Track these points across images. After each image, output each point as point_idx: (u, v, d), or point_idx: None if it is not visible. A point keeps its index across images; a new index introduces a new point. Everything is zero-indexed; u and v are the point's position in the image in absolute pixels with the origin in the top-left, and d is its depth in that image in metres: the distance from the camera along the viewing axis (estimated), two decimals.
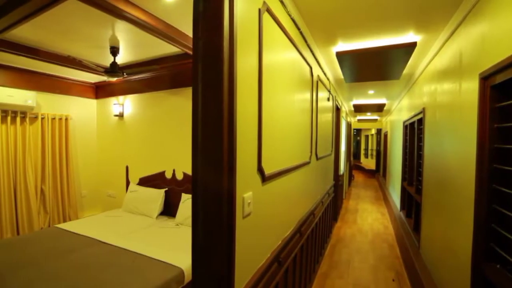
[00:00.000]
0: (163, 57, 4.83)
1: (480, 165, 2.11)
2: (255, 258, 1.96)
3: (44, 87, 5.64)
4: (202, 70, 1.49)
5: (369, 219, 8.19)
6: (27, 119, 5.36)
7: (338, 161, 7.22)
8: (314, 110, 3.85)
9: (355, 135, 23.95)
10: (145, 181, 5.74)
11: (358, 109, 9.84)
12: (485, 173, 2.06)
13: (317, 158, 4.18)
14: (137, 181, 5.85)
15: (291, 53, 2.69)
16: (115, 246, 3.73)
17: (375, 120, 14.14)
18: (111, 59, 4.57)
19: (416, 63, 4.47)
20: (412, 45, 3.50)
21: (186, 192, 5.05)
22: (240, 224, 1.67)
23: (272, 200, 2.27)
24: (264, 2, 1.96)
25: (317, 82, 4.02)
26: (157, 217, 5.11)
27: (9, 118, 5.06)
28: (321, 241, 4.78)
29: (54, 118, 5.80)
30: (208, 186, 1.51)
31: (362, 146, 24.66)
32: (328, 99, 5.15)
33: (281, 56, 2.41)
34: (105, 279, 2.88)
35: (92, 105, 6.71)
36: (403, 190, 5.98)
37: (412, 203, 5.29)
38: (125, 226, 4.58)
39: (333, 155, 6.38)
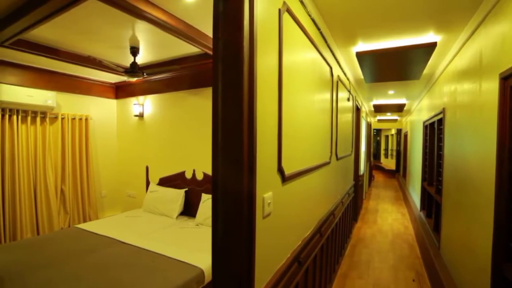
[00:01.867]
0: (183, 57, 4.80)
1: (500, 165, 2.06)
2: (275, 258, 1.92)
3: (64, 87, 5.63)
4: (222, 70, 1.47)
5: (389, 219, 8.04)
6: (47, 119, 5.33)
7: (358, 161, 7.10)
8: (334, 110, 3.78)
9: (375, 135, 23.61)
10: (165, 181, 5.69)
11: (378, 109, 9.71)
12: (505, 172, 2.01)
13: (337, 158, 4.10)
14: (157, 181, 5.80)
15: (311, 53, 2.64)
16: (135, 246, 3.72)
17: (395, 120, 13.87)
18: (131, 59, 4.56)
19: (436, 63, 4.37)
20: (432, 45, 3.43)
21: (206, 192, 5.01)
22: (260, 224, 1.63)
23: (292, 200, 2.23)
24: (284, 2, 1.92)
25: (337, 82, 3.95)
26: (177, 217, 5.07)
27: (29, 118, 5.04)
28: (341, 241, 4.70)
29: (74, 118, 5.78)
30: (228, 186, 1.48)
31: (382, 146, 24.29)
32: (348, 99, 5.07)
33: (301, 56, 2.37)
34: (125, 279, 2.87)
35: (112, 105, 6.69)
36: (423, 190, 5.89)
37: (432, 203, 5.20)
38: (145, 226, 4.56)
39: (353, 155, 6.26)
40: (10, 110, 4.76)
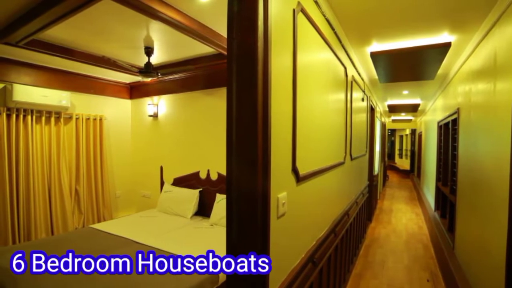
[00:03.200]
0: (198, 57, 4.76)
1: None
2: (289, 258, 1.90)
3: (78, 87, 5.58)
4: (237, 70, 1.45)
5: (403, 220, 7.92)
6: (62, 119, 5.28)
7: (373, 161, 7.00)
8: (348, 111, 3.72)
9: (390, 135, 23.34)
10: (180, 181, 5.65)
11: (393, 109, 9.60)
12: None
13: (352, 159, 4.05)
14: (172, 181, 5.74)
15: (325, 53, 2.60)
16: (150, 246, 3.68)
17: (410, 120, 13.67)
18: (146, 59, 4.51)
19: (450, 63, 4.30)
20: (447, 45, 3.38)
21: (221, 193, 4.96)
22: (274, 224, 1.61)
23: (307, 200, 2.20)
24: (299, 3, 1.89)
25: (351, 82, 3.89)
26: (191, 217, 5.02)
27: (43, 118, 5.00)
28: (355, 242, 4.63)
29: (88, 119, 5.73)
30: (242, 187, 1.46)
31: (397, 147, 23.99)
32: (363, 100, 5.01)
33: (316, 56, 2.33)
34: (139, 279, 2.85)
35: (126, 106, 6.63)
36: (438, 191, 5.83)
37: (446, 203, 5.12)
38: (159, 226, 4.52)
39: (367, 155, 6.18)
40: (25, 110, 4.73)
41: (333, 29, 2.73)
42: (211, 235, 4.15)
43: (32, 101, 4.67)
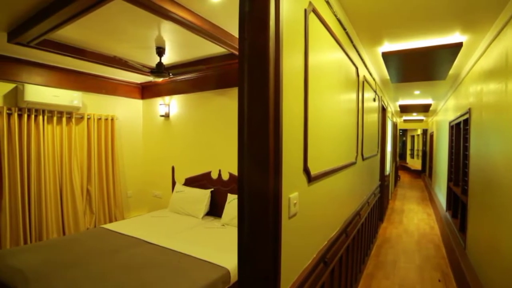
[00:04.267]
0: (209, 57, 4.70)
1: None
2: (301, 258, 1.87)
3: (90, 87, 5.51)
4: (248, 70, 1.43)
5: (415, 220, 7.82)
6: (73, 120, 5.21)
7: (384, 161, 6.91)
8: (360, 111, 3.67)
9: (401, 135, 23.14)
10: (191, 182, 5.60)
11: (404, 109, 9.50)
12: None
13: (363, 159, 3.99)
14: (183, 181, 5.71)
15: (337, 54, 2.56)
16: (161, 247, 3.66)
17: (421, 120, 13.50)
18: (157, 59, 4.46)
19: (462, 64, 4.24)
20: (458, 46, 3.34)
21: (232, 193, 4.91)
22: (286, 224, 1.58)
23: (318, 200, 2.16)
24: (310, 3, 1.86)
25: (363, 82, 3.84)
26: (203, 218, 4.98)
27: (55, 118, 4.93)
28: (367, 242, 4.57)
29: (100, 119, 5.64)
30: (254, 187, 1.44)
31: (408, 147, 23.78)
32: (374, 100, 4.95)
33: (327, 56, 2.30)
34: (151, 279, 2.83)
35: (138, 106, 6.56)
36: (449, 191, 5.76)
37: (458, 204, 5.06)
38: (171, 227, 4.49)
39: (379, 155, 6.10)
40: (36, 110, 4.68)
41: (344, 29, 2.70)
42: (222, 235, 4.12)
43: (43, 101, 4.63)
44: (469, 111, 4.02)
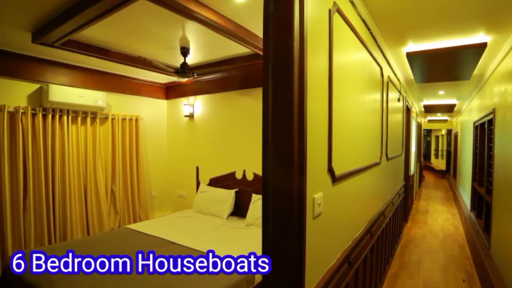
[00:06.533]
0: (234, 57, 4.57)
1: None
2: (325, 258, 1.81)
3: (114, 87, 5.38)
4: (273, 70, 1.39)
5: (439, 220, 7.56)
6: (97, 120, 5.07)
7: (409, 161, 6.69)
8: (384, 111, 3.55)
9: (425, 135, 22.64)
10: (216, 182, 5.46)
11: (429, 109, 9.29)
12: None
13: (388, 159, 3.87)
14: (208, 181, 5.56)
15: (361, 54, 2.48)
16: (185, 247, 3.56)
17: (446, 120, 13.08)
18: (182, 59, 4.31)
19: (486, 64, 4.11)
20: (483, 46, 3.28)
21: (257, 193, 4.76)
22: (310, 224, 1.53)
23: (342, 200, 2.09)
24: (335, 3, 1.80)
25: (387, 82, 3.71)
26: (227, 218, 4.84)
27: (79, 118, 4.80)
28: (391, 242, 4.42)
29: (124, 119, 5.49)
30: (278, 187, 1.40)
31: (433, 147, 23.18)
32: (399, 100, 4.81)
33: (351, 56, 2.22)
34: (175, 279, 2.76)
35: (162, 106, 6.40)
36: (473, 191, 5.67)
37: (482, 204, 4.93)
38: (195, 227, 4.38)
39: (403, 155, 5.91)
40: (61, 111, 4.55)
41: (369, 29, 2.62)
42: (247, 236, 4.02)
43: (68, 101, 4.51)
44: (493, 111, 3.94)
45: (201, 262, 2.98)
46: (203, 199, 5.25)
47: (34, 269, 2.29)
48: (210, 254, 3.21)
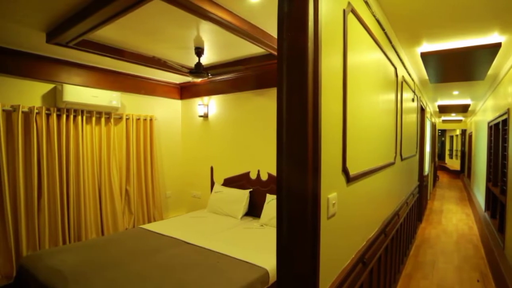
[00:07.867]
0: (248, 57, 4.49)
1: None
2: (339, 258, 1.77)
3: (128, 87, 5.30)
4: (287, 70, 1.36)
5: (453, 220, 7.40)
6: (112, 120, 5.00)
7: (423, 161, 6.54)
8: (398, 111, 3.47)
9: (440, 135, 22.25)
10: (230, 182, 5.40)
11: (443, 109, 9.13)
12: None
13: (402, 159, 3.78)
14: (222, 181, 5.49)
15: (375, 54, 2.42)
16: (200, 247, 3.51)
17: (460, 120, 12.78)
18: (196, 59, 4.26)
19: (500, 64, 4.01)
20: (497, 46, 3.19)
21: (271, 193, 4.68)
22: (324, 224, 1.50)
23: (357, 201, 2.05)
24: (349, 3, 1.76)
25: (401, 82, 3.63)
26: (241, 218, 4.78)
27: (94, 118, 4.74)
28: (405, 242, 4.32)
29: (138, 119, 5.40)
30: (292, 187, 1.37)
31: (447, 147, 22.77)
32: (413, 100, 4.71)
33: (366, 56, 2.17)
34: (190, 279, 2.72)
35: (176, 106, 6.30)
36: (488, 191, 5.54)
37: (496, 204, 4.85)
38: (209, 227, 4.33)
39: (417, 155, 5.78)
40: (75, 111, 4.50)
41: (383, 29, 2.57)
42: (261, 236, 3.97)
43: (82, 101, 4.45)
44: (508, 112, 3.85)
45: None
46: (218, 199, 5.19)
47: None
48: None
